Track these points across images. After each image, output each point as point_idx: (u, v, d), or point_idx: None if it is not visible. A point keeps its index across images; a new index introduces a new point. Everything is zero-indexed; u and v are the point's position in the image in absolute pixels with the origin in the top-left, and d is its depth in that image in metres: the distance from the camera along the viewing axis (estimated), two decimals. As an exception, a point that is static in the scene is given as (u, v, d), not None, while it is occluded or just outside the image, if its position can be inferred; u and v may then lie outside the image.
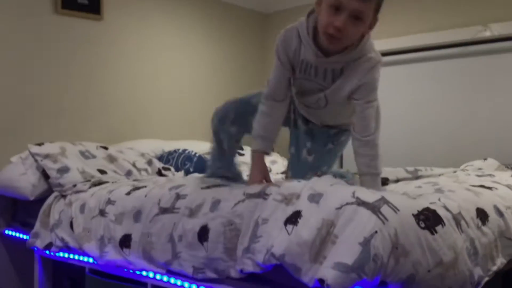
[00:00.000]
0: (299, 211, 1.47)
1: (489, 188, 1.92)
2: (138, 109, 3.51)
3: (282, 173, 2.55)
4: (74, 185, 2.37)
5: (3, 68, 2.87)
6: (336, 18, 1.58)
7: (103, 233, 2.04)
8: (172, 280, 1.81)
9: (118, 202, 2.05)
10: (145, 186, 2.08)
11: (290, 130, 2.01)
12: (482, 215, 1.65)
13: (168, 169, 2.96)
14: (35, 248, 2.38)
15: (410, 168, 2.40)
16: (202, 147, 3.37)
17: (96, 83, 3.28)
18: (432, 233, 1.38)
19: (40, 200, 2.48)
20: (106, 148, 2.81)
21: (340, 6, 1.58)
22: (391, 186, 2.08)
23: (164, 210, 1.85)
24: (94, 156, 2.67)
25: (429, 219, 1.40)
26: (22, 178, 2.56)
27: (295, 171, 1.94)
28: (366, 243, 1.30)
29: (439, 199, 1.58)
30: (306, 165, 1.92)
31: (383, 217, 1.34)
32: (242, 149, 2.93)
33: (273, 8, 4.28)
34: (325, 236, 1.38)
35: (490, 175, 2.32)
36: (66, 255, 2.26)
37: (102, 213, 2.09)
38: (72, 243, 2.20)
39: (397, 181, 2.22)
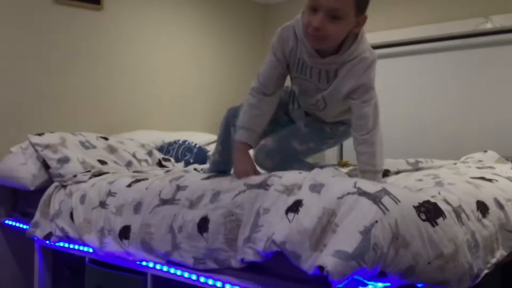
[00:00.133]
0: (300, 200, 1.47)
1: (490, 180, 1.92)
2: (138, 99, 3.50)
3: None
4: (75, 176, 2.37)
5: (2, 58, 2.87)
6: (314, 18, 1.60)
7: (103, 224, 2.05)
8: (172, 270, 1.81)
9: (119, 194, 2.06)
10: (146, 179, 2.08)
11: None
12: (482, 207, 1.65)
13: (168, 160, 2.97)
14: (35, 238, 2.39)
15: (411, 160, 2.40)
16: (202, 138, 3.37)
17: (96, 73, 3.28)
18: (433, 225, 1.38)
19: (40, 190, 2.48)
20: (106, 138, 2.81)
21: (316, 6, 1.59)
22: (391, 178, 2.08)
23: (164, 202, 1.85)
24: (94, 147, 2.67)
25: (429, 211, 1.40)
26: (23, 168, 2.56)
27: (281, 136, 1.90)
28: (366, 232, 1.30)
29: (439, 193, 1.58)
30: (297, 134, 1.91)
31: (384, 207, 1.35)
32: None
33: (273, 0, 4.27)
34: (326, 225, 1.38)
35: (490, 167, 2.32)
36: (66, 245, 2.27)
37: (102, 204, 2.09)
38: (72, 234, 2.20)
39: (397, 172, 2.22)
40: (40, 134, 2.60)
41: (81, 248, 2.20)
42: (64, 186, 2.36)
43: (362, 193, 1.40)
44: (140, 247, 1.88)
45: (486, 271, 1.56)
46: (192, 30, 3.85)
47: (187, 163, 2.99)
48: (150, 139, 3.16)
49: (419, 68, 3.49)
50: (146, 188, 1.97)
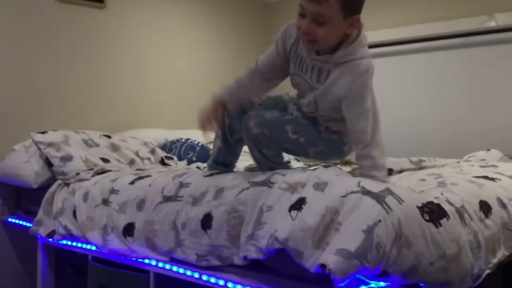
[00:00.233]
0: (303, 198, 1.48)
1: (493, 179, 1.92)
2: (141, 98, 3.51)
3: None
4: (77, 174, 2.38)
5: (5, 56, 2.87)
6: (302, 23, 1.67)
7: (106, 222, 2.05)
8: (175, 268, 1.81)
9: (122, 192, 2.06)
10: (149, 176, 2.08)
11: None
12: (485, 207, 1.65)
13: (171, 158, 2.97)
14: (38, 236, 2.39)
15: (414, 159, 2.39)
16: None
17: (98, 72, 3.28)
18: (437, 226, 1.38)
19: (44, 188, 2.49)
20: (109, 136, 2.81)
21: (303, 12, 1.67)
22: (394, 177, 2.08)
23: (167, 199, 1.86)
24: (97, 145, 2.67)
25: (433, 212, 1.40)
26: (26, 166, 2.57)
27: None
28: (369, 231, 1.30)
29: (442, 194, 1.58)
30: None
31: (387, 207, 1.35)
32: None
33: (276, -2, 4.27)
34: (329, 223, 1.38)
35: (493, 165, 2.31)
36: (69, 242, 2.27)
37: (105, 202, 2.09)
38: (75, 231, 2.20)
39: (400, 171, 2.22)
40: (43, 132, 2.61)
41: (84, 246, 2.20)
42: (67, 184, 2.36)
43: (365, 192, 1.40)
44: (144, 244, 1.89)
45: (487, 271, 1.56)
46: (194, 28, 3.85)
47: (190, 162, 2.99)
48: (153, 137, 3.16)
49: (422, 66, 3.48)
50: (149, 185, 1.97)
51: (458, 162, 2.51)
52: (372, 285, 1.39)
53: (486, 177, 1.93)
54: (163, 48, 3.64)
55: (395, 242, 1.32)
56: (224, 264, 1.67)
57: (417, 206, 1.39)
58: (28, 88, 2.96)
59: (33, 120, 2.95)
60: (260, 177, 1.69)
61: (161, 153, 2.96)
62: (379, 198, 1.37)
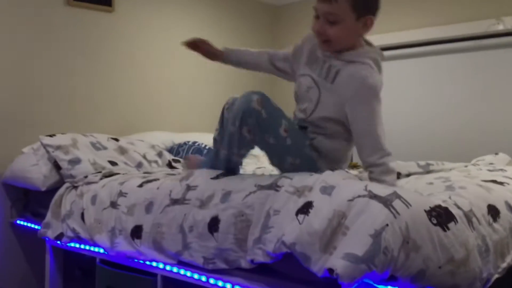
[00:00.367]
0: (310, 202, 1.48)
1: (501, 183, 1.91)
2: (148, 101, 3.52)
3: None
4: (86, 176, 2.39)
5: (14, 59, 2.89)
6: (316, 23, 1.78)
7: (114, 224, 2.06)
8: (182, 271, 1.82)
9: (130, 194, 2.06)
10: (157, 179, 2.09)
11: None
12: (493, 211, 1.64)
13: (178, 161, 2.98)
14: (47, 238, 2.40)
15: (422, 162, 2.39)
16: (212, 139, 3.37)
17: (107, 75, 3.29)
18: (444, 230, 1.37)
19: (52, 190, 2.50)
20: (117, 139, 2.82)
21: (317, 13, 1.77)
22: (402, 181, 2.07)
23: (175, 201, 1.86)
24: (105, 148, 2.68)
25: (441, 215, 1.40)
26: (34, 169, 2.58)
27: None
28: (377, 236, 1.30)
29: (450, 197, 1.57)
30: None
31: (394, 211, 1.34)
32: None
33: (284, 1, 4.27)
34: (336, 227, 1.38)
35: (501, 169, 2.31)
36: (77, 245, 2.28)
37: (113, 205, 2.10)
38: (83, 234, 2.21)
39: (408, 175, 2.22)
40: (51, 135, 2.62)
41: (92, 248, 2.21)
42: (75, 187, 2.37)
43: (373, 196, 1.39)
44: (152, 246, 1.89)
45: (496, 275, 1.55)
46: (202, 31, 3.85)
47: (197, 164, 2.99)
48: (160, 140, 3.17)
49: (430, 69, 3.48)
50: (157, 188, 1.98)
51: (466, 166, 2.50)
52: (380, 289, 1.39)
53: (494, 181, 1.92)
54: (171, 51, 3.65)
55: (403, 246, 1.32)
56: (231, 267, 1.67)
57: (425, 210, 1.39)
58: (37, 91, 2.98)
59: (42, 123, 2.97)
60: (267, 180, 1.69)
61: (169, 156, 2.97)
62: (386, 202, 1.37)
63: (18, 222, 2.79)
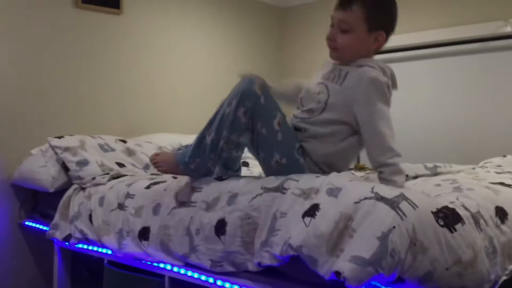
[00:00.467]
0: (317, 204, 1.48)
1: (509, 185, 1.90)
2: (156, 102, 3.53)
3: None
4: (93, 178, 2.40)
5: (22, 61, 2.91)
6: (330, 31, 1.85)
7: (122, 226, 2.06)
8: (190, 273, 1.82)
9: (137, 196, 2.07)
10: (165, 181, 2.09)
11: None
12: (501, 213, 1.64)
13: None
14: (55, 239, 2.41)
15: (429, 165, 2.38)
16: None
17: (115, 77, 3.31)
18: (451, 231, 1.37)
19: (60, 192, 2.51)
20: (124, 141, 2.83)
21: (332, 21, 1.84)
22: (409, 183, 2.07)
23: (181, 204, 1.86)
24: (113, 149, 2.69)
25: (448, 217, 1.39)
26: (42, 170, 2.60)
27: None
28: (384, 238, 1.30)
29: (457, 199, 1.57)
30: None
31: (401, 213, 1.34)
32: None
33: (291, 3, 4.27)
34: (343, 229, 1.38)
35: (509, 172, 2.29)
36: (85, 246, 2.29)
37: (121, 206, 2.11)
38: (91, 236, 2.22)
39: (415, 177, 2.21)
40: (59, 137, 2.64)
41: (99, 250, 2.22)
42: (83, 189, 2.38)
43: (379, 198, 1.39)
44: (159, 248, 1.90)
45: (504, 277, 1.54)
46: (209, 33, 3.87)
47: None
48: (168, 142, 3.18)
49: (438, 71, 3.47)
50: (165, 190, 1.98)
51: (473, 168, 2.49)
52: (387, 291, 1.39)
53: (502, 184, 1.92)
54: (179, 53, 3.66)
55: (410, 248, 1.32)
56: (238, 270, 1.67)
57: (432, 212, 1.39)
58: (45, 93, 2.99)
59: (50, 124, 2.98)
60: (273, 182, 1.69)
61: (176, 158, 2.97)
62: (393, 204, 1.37)
63: (26, 223, 2.80)
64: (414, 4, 3.55)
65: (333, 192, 1.49)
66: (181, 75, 3.68)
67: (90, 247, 2.27)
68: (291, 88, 2.06)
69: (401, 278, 1.34)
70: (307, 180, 1.61)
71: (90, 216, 2.24)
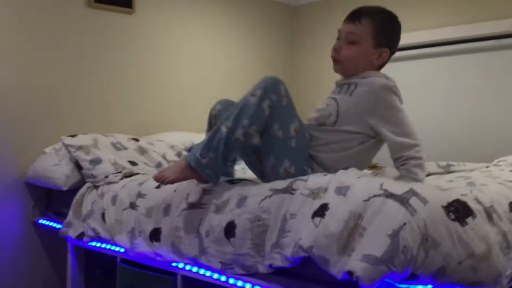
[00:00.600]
0: (326, 204, 1.47)
1: (523, 183, 1.89)
2: (168, 101, 3.54)
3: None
4: (106, 176, 2.41)
5: (36, 60, 2.93)
6: (336, 43, 1.89)
7: (134, 225, 2.07)
8: (202, 271, 1.82)
9: (148, 196, 2.07)
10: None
11: None
12: (515, 209, 1.62)
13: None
14: (68, 238, 2.43)
15: (442, 163, 2.37)
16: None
17: (127, 76, 3.32)
18: (462, 225, 1.36)
19: (73, 190, 2.53)
20: (137, 140, 2.85)
21: (339, 34, 1.88)
22: (423, 180, 2.05)
23: (191, 205, 1.86)
24: (125, 148, 2.71)
25: (459, 210, 1.38)
26: (56, 169, 2.62)
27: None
28: (395, 235, 1.29)
29: (471, 191, 1.56)
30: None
31: (411, 209, 1.33)
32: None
33: (302, 1, 4.26)
34: (353, 228, 1.38)
35: (523, 170, 2.27)
36: (98, 244, 2.30)
37: (132, 206, 2.11)
38: (103, 234, 2.23)
39: (428, 175, 2.20)
40: (73, 136, 2.65)
41: (112, 248, 2.23)
42: (96, 187, 2.39)
43: (389, 195, 1.38)
44: (171, 249, 1.90)
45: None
46: (221, 32, 3.87)
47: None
48: (180, 141, 3.18)
49: (450, 69, 3.44)
50: (174, 190, 1.98)
51: (487, 167, 2.47)
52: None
53: (516, 181, 1.90)
54: (190, 51, 3.67)
55: (422, 244, 1.31)
56: (249, 273, 1.66)
57: (442, 206, 1.38)
58: (58, 92, 3.01)
59: (63, 123, 2.99)
60: (282, 184, 1.68)
61: (188, 157, 2.97)
62: (403, 200, 1.36)
63: (40, 221, 2.82)
64: (426, 2, 3.53)
65: (342, 190, 1.48)
66: (192, 74, 3.69)
67: (103, 245, 2.28)
68: None
69: (414, 275, 1.34)
70: (316, 180, 1.60)
71: (103, 215, 2.25)
